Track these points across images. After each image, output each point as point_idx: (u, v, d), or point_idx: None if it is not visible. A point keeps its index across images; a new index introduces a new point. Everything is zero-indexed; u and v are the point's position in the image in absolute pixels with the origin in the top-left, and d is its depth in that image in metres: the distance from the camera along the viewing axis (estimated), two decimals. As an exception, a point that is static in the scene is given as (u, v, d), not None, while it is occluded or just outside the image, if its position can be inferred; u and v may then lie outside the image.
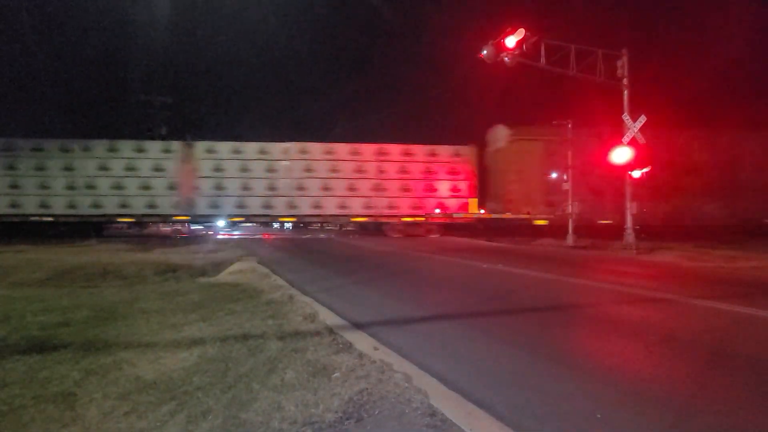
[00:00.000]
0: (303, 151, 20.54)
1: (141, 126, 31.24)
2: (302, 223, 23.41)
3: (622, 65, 13.03)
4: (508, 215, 20.28)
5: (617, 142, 12.37)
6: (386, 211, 20.67)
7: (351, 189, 20.57)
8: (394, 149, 21.00)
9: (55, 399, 2.48)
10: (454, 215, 20.83)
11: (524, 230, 19.66)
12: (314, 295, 5.57)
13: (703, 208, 20.25)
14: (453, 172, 21.06)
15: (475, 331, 4.11)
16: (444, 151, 21.16)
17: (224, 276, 7.84)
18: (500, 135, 21.20)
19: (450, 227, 21.30)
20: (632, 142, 12.00)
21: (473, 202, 21.04)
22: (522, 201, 20.28)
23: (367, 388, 2.50)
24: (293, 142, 20.68)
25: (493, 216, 20.69)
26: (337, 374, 2.74)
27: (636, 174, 12.14)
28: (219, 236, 20.79)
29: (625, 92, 12.99)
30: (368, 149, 20.83)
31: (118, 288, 6.48)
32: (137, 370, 2.93)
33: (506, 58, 11.76)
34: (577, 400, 2.56)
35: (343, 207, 20.53)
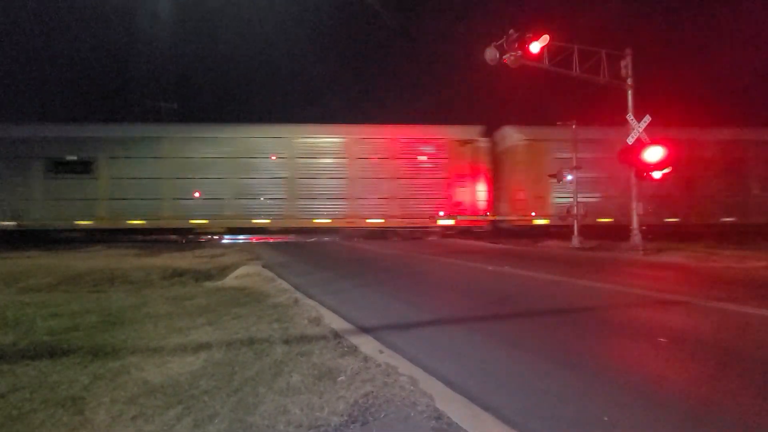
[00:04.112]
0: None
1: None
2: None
3: (626, 65, 12.96)
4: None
5: (622, 142, 12.29)
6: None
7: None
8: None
9: (64, 403, 2.51)
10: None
11: (529, 232, 19.57)
12: (319, 298, 5.59)
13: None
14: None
15: (482, 334, 4.10)
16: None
17: (230, 280, 7.88)
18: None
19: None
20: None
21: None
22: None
23: (372, 392, 2.50)
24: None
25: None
26: (342, 377, 2.74)
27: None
28: (224, 240, 20.92)
29: (630, 92, 12.93)
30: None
31: (126, 293, 6.54)
32: (145, 374, 2.95)
33: (509, 60, 11.75)
34: (585, 403, 2.54)
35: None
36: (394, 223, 19.39)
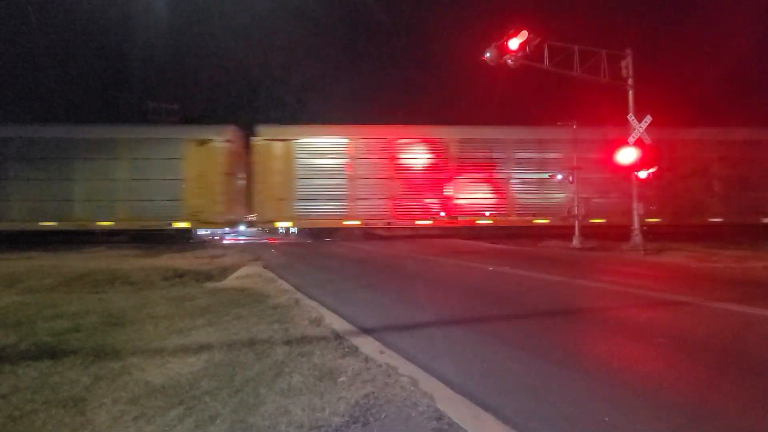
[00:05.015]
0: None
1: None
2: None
3: (627, 65, 12.97)
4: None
5: (623, 142, 12.32)
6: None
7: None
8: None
9: (65, 404, 2.51)
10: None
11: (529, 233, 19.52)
12: (320, 299, 5.59)
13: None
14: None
15: (482, 335, 4.10)
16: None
17: (230, 281, 7.88)
18: None
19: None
20: (638, 143, 11.94)
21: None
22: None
23: (373, 392, 2.51)
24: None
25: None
26: (343, 378, 2.75)
27: (642, 174, 12.05)
28: (225, 241, 20.92)
29: (630, 92, 12.93)
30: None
31: (127, 293, 6.54)
32: (146, 375, 2.96)
33: (509, 60, 11.77)
34: (586, 403, 2.55)
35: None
36: (125, 225, 18.76)
